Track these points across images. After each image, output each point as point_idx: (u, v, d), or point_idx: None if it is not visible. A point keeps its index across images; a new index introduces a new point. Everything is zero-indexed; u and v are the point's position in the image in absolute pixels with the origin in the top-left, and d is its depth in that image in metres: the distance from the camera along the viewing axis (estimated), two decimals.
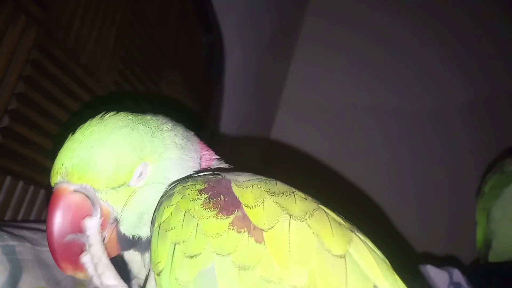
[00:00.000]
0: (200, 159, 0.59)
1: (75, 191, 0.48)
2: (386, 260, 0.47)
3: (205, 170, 0.58)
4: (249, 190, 0.47)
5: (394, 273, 0.46)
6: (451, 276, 1.09)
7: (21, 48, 0.69)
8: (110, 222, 0.50)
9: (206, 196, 0.47)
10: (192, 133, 0.61)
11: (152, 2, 1.14)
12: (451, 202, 1.98)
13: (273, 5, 1.99)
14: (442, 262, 1.14)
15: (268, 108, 2.34)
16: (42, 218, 0.77)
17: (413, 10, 2.22)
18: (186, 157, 0.57)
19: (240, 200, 0.46)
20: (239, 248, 0.43)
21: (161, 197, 0.51)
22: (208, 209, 0.45)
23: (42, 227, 0.68)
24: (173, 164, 0.54)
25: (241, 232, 0.44)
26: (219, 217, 0.45)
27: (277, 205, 0.46)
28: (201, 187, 0.48)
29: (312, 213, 0.46)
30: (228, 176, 0.51)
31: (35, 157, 0.74)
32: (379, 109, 2.25)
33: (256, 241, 0.43)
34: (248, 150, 2.02)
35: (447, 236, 1.92)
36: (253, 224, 0.44)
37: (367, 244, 0.46)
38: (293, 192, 0.48)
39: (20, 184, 0.73)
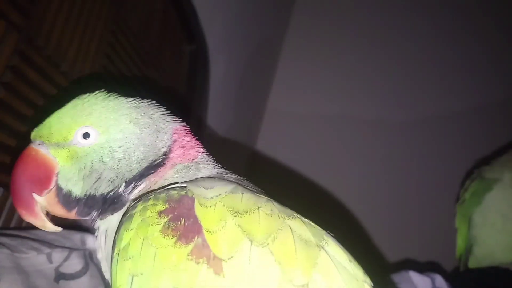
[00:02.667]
0: (172, 145, 0.59)
1: (34, 147, 0.56)
2: (359, 274, 0.45)
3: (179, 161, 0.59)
4: (212, 210, 0.46)
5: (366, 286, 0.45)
6: (433, 282, 1.09)
7: (0, 53, 0.69)
8: (55, 175, 0.55)
9: (165, 220, 0.45)
10: (176, 119, 0.61)
11: (135, 11, 1.14)
12: (433, 209, 2.00)
13: (257, 16, 2.00)
14: (424, 268, 1.15)
15: (252, 119, 2.35)
16: (23, 225, 0.76)
17: (395, 23, 2.25)
18: (144, 134, 0.56)
19: (201, 223, 0.45)
20: (198, 281, 0.41)
21: (123, 215, 0.51)
22: (167, 237, 0.44)
23: (22, 233, 0.68)
24: (126, 137, 0.56)
25: (199, 262, 0.42)
26: (178, 246, 0.43)
27: (239, 228, 0.44)
28: (162, 208, 0.47)
29: (276, 235, 0.44)
30: (194, 189, 0.49)
31: (13, 163, 0.73)
32: (362, 120, 2.28)
33: (215, 273, 0.41)
34: (231, 160, 2.02)
35: (430, 242, 1.93)
36: (212, 253, 0.42)
37: (337, 260, 0.44)
38: (258, 208, 0.46)
39: (0, 191, 0.72)
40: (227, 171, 0.60)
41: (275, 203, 0.48)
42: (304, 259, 0.43)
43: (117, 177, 0.55)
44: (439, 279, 1.09)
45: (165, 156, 0.58)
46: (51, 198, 0.55)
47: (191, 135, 0.62)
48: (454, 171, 1.69)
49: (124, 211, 0.54)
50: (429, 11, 2.23)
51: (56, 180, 0.55)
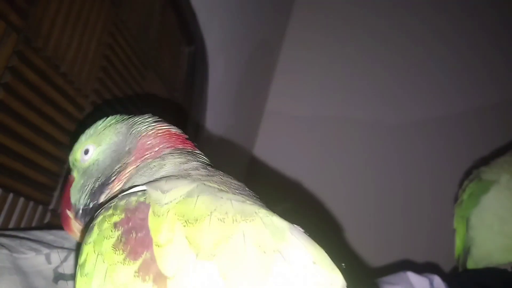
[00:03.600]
0: (135, 147, 0.60)
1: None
2: (323, 277, 0.40)
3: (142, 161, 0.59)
4: (163, 219, 0.43)
5: None
6: (431, 283, 1.09)
7: None
8: None
9: (119, 233, 0.43)
10: (154, 123, 0.63)
11: (134, 12, 1.14)
12: (431, 210, 2.00)
13: (255, 18, 2.01)
14: (422, 269, 1.15)
15: (251, 120, 2.35)
16: (21, 226, 0.77)
17: (395, 25, 2.26)
18: (120, 142, 0.62)
19: (152, 235, 0.42)
20: None
21: (86, 225, 0.54)
22: (118, 252, 0.42)
23: (21, 234, 0.68)
24: (108, 147, 0.63)
25: (145, 280, 0.39)
26: (127, 262, 0.41)
27: (186, 241, 0.40)
28: (118, 218, 0.45)
29: (224, 244, 0.40)
30: (151, 194, 0.46)
31: (13, 165, 0.74)
32: (361, 121, 2.28)
33: None
34: (230, 162, 2.02)
35: (428, 243, 1.93)
36: (159, 270, 0.40)
37: (297, 264, 0.40)
38: (210, 213, 0.42)
39: None
40: (202, 165, 0.58)
41: (235, 202, 0.44)
42: (257, 269, 0.38)
43: (99, 185, 0.61)
44: (437, 280, 1.09)
45: (129, 158, 0.61)
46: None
47: (165, 134, 0.62)
48: (453, 172, 1.69)
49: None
50: (427, 13, 2.24)
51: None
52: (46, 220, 0.84)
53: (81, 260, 0.45)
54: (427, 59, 2.22)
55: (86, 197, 0.62)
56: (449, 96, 2.17)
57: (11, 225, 0.75)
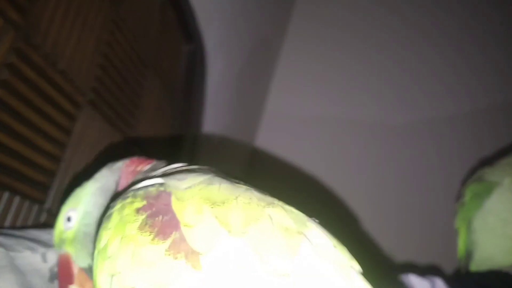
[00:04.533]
0: (119, 178, 0.63)
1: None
2: (344, 259, 0.43)
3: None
4: (189, 202, 0.44)
5: (351, 273, 0.42)
6: (433, 286, 1.09)
7: None
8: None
9: (143, 217, 0.44)
10: (126, 159, 0.68)
11: (133, 11, 1.13)
12: (433, 212, 2.00)
13: (255, 16, 2.00)
14: (424, 271, 1.15)
15: (251, 120, 2.34)
16: (17, 225, 0.76)
17: (397, 25, 2.26)
18: (103, 185, 0.64)
19: (178, 218, 0.43)
20: (177, 277, 0.40)
21: (102, 215, 0.51)
22: (145, 234, 0.43)
23: (17, 233, 0.67)
24: (91, 198, 0.63)
25: (177, 258, 0.40)
26: (155, 243, 0.42)
27: (216, 220, 0.42)
28: (139, 205, 0.46)
29: (254, 224, 0.42)
30: (171, 183, 0.48)
31: (10, 163, 0.73)
32: (363, 121, 2.28)
33: (194, 268, 0.40)
34: (229, 161, 2.01)
35: (430, 245, 1.93)
36: (190, 248, 0.41)
37: (320, 246, 0.43)
38: (236, 197, 0.44)
39: None
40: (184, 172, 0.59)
41: (255, 192, 0.47)
42: (285, 247, 0.41)
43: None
44: (439, 283, 1.09)
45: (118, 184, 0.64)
46: (80, 279, 0.62)
47: (140, 159, 0.67)
48: (455, 174, 1.69)
49: None
50: (429, 13, 2.23)
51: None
52: (42, 219, 0.83)
53: (101, 245, 0.46)
54: (431, 59, 2.21)
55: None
56: (453, 96, 2.16)
57: (6, 224, 0.74)
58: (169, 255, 0.41)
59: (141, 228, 0.43)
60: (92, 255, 0.55)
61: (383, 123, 2.25)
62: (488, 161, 1.31)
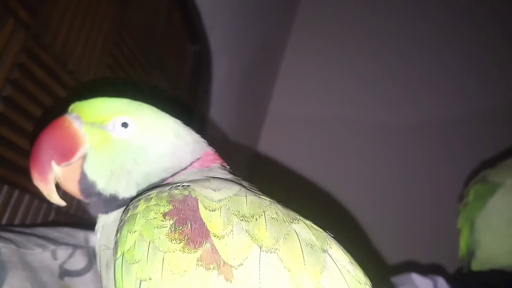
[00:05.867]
0: (196, 160, 0.60)
1: (68, 118, 0.56)
2: (361, 276, 0.46)
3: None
4: (217, 213, 0.45)
5: None
6: (435, 284, 1.10)
7: (8, 51, 0.69)
8: (81, 154, 0.56)
9: (171, 222, 0.44)
10: (209, 147, 0.64)
11: (140, 11, 1.14)
12: (436, 211, 2.00)
13: (260, 17, 2.01)
14: (426, 270, 1.15)
15: (255, 120, 2.35)
16: (27, 223, 0.77)
17: (400, 27, 2.26)
18: (180, 148, 0.58)
19: (208, 228, 0.44)
20: (209, 287, 0.41)
21: (123, 214, 0.50)
22: (174, 240, 0.43)
23: (27, 230, 0.68)
24: (164, 145, 0.57)
25: (210, 269, 0.41)
26: (187, 251, 0.42)
27: (247, 234, 0.43)
28: (166, 209, 0.46)
29: (283, 240, 0.43)
30: (198, 189, 0.48)
31: (20, 161, 0.74)
32: (366, 122, 2.28)
33: (226, 279, 0.41)
34: (233, 161, 2.02)
35: (432, 244, 1.93)
36: (222, 259, 0.42)
37: (340, 264, 0.44)
38: (263, 212, 0.46)
39: (5, 188, 0.72)
40: (238, 178, 0.60)
41: (279, 206, 0.48)
42: (312, 265, 0.43)
43: (144, 181, 0.56)
44: (441, 282, 1.09)
45: (188, 164, 0.59)
46: (70, 175, 0.55)
47: (215, 153, 0.64)
48: (457, 174, 1.70)
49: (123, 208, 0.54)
50: (432, 15, 2.24)
51: (82, 163, 0.55)
52: (51, 217, 0.84)
53: (126, 247, 0.45)
54: (435, 61, 2.22)
55: (127, 189, 0.56)
56: (456, 98, 2.17)
57: (16, 222, 0.75)
58: (201, 265, 0.42)
59: (170, 234, 0.44)
60: (110, 188, 0.55)
61: (386, 125, 2.25)
62: (491, 163, 1.32)
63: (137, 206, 0.48)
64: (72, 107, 0.58)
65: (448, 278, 1.11)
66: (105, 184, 0.55)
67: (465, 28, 2.16)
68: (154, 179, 0.56)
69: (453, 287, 1.09)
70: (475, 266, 1.20)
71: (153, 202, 0.47)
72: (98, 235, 0.57)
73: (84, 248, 0.74)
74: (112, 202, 0.56)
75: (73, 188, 0.56)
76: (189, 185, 0.49)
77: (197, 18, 1.42)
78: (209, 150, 0.63)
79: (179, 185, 0.50)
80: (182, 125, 0.62)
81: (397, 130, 2.24)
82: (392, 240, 2.00)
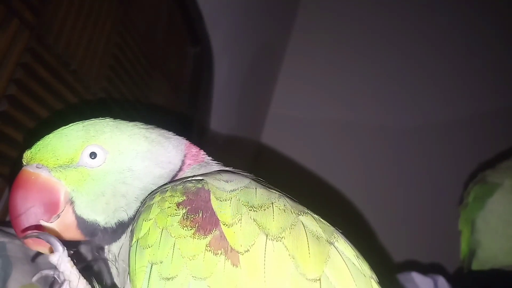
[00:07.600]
0: (185, 157, 0.59)
1: (32, 171, 0.52)
2: (366, 270, 0.47)
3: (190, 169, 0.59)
4: (228, 204, 0.47)
5: (373, 284, 0.46)
6: (435, 283, 1.10)
7: (12, 51, 0.70)
8: (65, 201, 0.52)
9: (184, 211, 0.46)
10: (182, 137, 0.62)
11: (142, 13, 1.15)
12: (436, 211, 2.00)
13: (261, 19, 2.01)
14: (427, 269, 1.16)
15: (255, 121, 2.35)
16: None
17: (400, 30, 2.27)
18: (159, 151, 0.56)
19: (218, 217, 0.46)
20: (215, 272, 0.42)
21: (140, 206, 0.52)
22: (186, 227, 0.45)
23: None
24: (139, 156, 0.55)
25: (217, 254, 0.43)
26: (196, 237, 0.44)
27: (254, 222, 0.45)
28: (180, 199, 0.48)
29: (290, 230, 0.45)
30: (210, 182, 0.50)
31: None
32: (367, 124, 2.29)
33: (233, 264, 0.43)
34: (234, 162, 2.02)
35: (433, 244, 1.93)
36: (230, 246, 0.44)
37: (346, 256, 0.46)
38: (272, 203, 0.48)
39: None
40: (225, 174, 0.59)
41: (287, 199, 0.50)
42: (316, 255, 0.44)
43: (143, 194, 0.54)
44: (441, 281, 1.10)
45: (181, 167, 0.58)
46: (65, 224, 0.52)
47: (195, 146, 0.63)
48: (458, 174, 1.70)
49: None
50: (433, 18, 2.24)
51: (73, 208, 0.52)
52: None
53: (141, 233, 0.47)
54: (434, 65, 2.22)
55: (129, 209, 0.53)
56: (455, 101, 2.17)
57: None
58: (210, 250, 0.43)
59: (182, 221, 0.46)
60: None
61: (385, 127, 2.26)
62: (489, 164, 1.33)
63: (153, 198, 0.50)
64: (29, 156, 0.53)
65: (448, 277, 1.12)
66: (106, 218, 0.53)
67: (464, 32, 2.17)
68: (154, 188, 0.55)
69: (453, 286, 1.10)
70: (476, 265, 1.20)
71: (168, 194, 0.49)
72: (115, 264, 0.56)
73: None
74: (120, 229, 0.54)
75: (75, 235, 0.53)
76: (202, 179, 0.51)
77: (198, 21, 1.43)
78: (183, 140, 0.62)
79: (193, 180, 0.52)
80: (148, 126, 0.59)
81: (396, 133, 2.24)
82: (392, 240, 2.01)
